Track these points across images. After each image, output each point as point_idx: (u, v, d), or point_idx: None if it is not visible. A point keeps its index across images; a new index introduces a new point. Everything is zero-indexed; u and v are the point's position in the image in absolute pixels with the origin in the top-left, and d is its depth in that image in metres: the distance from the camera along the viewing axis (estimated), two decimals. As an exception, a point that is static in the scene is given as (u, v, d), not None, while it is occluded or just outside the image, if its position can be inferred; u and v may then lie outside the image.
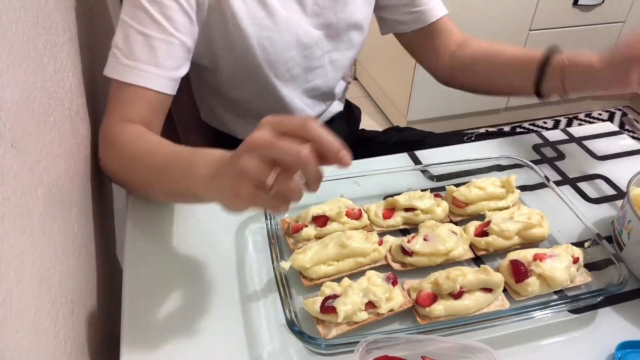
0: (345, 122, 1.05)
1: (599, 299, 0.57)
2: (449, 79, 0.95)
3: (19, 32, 0.47)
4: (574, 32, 2.12)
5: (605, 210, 0.72)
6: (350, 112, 1.08)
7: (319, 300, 0.54)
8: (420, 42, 0.94)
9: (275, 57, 0.80)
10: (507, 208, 0.68)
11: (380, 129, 1.12)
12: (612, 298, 0.58)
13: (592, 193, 0.75)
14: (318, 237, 0.64)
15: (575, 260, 0.59)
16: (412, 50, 0.96)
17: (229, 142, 0.96)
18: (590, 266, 0.60)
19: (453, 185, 0.71)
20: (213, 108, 0.95)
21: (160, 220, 0.68)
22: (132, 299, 0.58)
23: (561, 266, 0.57)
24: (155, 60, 0.68)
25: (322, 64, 0.87)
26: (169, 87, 0.70)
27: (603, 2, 2.06)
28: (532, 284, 0.57)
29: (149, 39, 0.67)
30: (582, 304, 0.57)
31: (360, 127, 1.13)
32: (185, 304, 0.57)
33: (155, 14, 0.67)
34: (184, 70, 0.73)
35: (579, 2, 2.03)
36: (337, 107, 1.01)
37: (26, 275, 0.41)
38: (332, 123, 1.01)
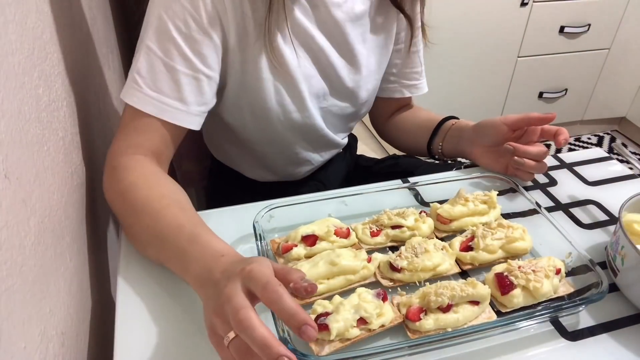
0: (343, 157, 1.03)
1: (581, 308, 0.59)
2: (383, 135, 1.04)
3: (14, 64, 0.47)
4: (561, 58, 2.17)
5: (598, 236, 0.72)
6: (348, 146, 1.05)
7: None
8: (382, 103, 0.96)
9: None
10: (489, 223, 0.69)
11: (377, 156, 1.12)
12: (608, 325, 0.58)
13: (584, 219, 0.75)
14: (308, 257, 0.64)
15: (558, 272, 0.60)
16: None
17: (227, 171, 0.95)
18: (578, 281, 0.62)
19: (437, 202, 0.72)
20: (221, 142, 0.92)
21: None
22: (125, 331, 0.57)
23: (545, 278, 0.59)
24: (180, 95, 0.66)
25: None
26: (191, 122, 0.68)
27: (588, 29, 2.11)
28: (517, 296, 0.58)
29: (176, 73, 0.65)
30: (564, 313, 0.58)
31: (358, 153, 1.12)
32: (179, 334, 0.56)
33: (186, 50, 0.65)
34: (209, 105, 0.71)
35: (565, 30, 2.08)
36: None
37: (17, 308, 0.41)
38: (330, 162, 0.99)
